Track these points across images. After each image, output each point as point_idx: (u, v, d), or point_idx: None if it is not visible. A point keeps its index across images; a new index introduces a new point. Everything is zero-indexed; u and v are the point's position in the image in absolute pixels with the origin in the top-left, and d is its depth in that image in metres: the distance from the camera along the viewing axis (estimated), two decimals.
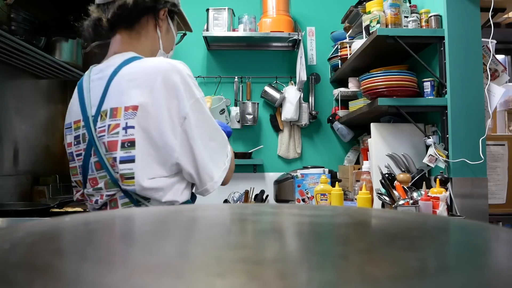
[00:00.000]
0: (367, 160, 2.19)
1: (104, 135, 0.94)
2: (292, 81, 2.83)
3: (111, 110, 0.94)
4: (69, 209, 2.00)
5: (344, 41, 2.49)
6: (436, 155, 1.81)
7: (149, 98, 0.92)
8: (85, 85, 1.03)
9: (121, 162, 0.92)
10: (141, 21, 1.06)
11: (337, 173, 2.63)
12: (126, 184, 0.94)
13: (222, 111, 2.65)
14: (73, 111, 1.04)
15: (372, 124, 2.06)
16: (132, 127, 0.92)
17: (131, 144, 0.92)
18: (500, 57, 3.26)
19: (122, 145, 0.92)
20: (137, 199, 0.97)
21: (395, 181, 1.76)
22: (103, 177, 0.97)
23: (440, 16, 1.89)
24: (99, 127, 0.96)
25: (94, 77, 1.02)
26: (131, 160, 0.92)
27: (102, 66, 1.03)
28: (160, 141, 0.93)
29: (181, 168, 0.97)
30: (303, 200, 2.24)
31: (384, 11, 1.96)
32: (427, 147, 1.89)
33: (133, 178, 0.93)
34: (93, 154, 0.98)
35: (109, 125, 0.94)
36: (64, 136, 1.11)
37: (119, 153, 0.92)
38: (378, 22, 1.92)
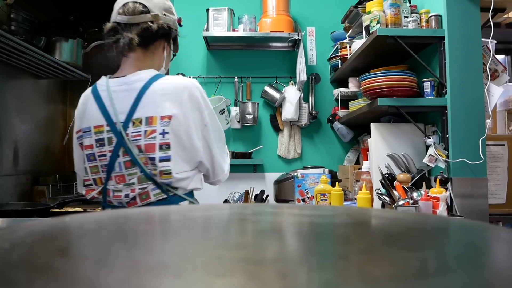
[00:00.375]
0: (367, 160, 2.19)
1: (139, 139, 1.13)
2: (292, 81, 2.83)
3: (147, 119, 1.13)
4: (69, 209, 2.00)
5: (344, 41, 2.48)
6: (436, 155, 1.81)
7: (179, 110, 1.14)
8: (104, 94, 1.18)
9: (160, 161, 1.13)
10: (155, 43, 1.25)
11: (337, 173, 2.63)
12: (164, 178, 1.15)
13: (222, 111, 2.65)
14: (91, 117, 1.18)
15: (372, 124, 2.06)
16: (167, 133, 1.13)
17: (168, 146, 1.13)
18: (500, 57, 3.26)
19: (160, 147, 1.13)
20: (167, 189, 1.17)
21: (395, 181, 1.76)
22: (134, 174, 1.15)
23: (440, 16, 1.89)
24: (132, 132, 1.13)
25: (117, 88, 1.18)
26: (168, 159, 1.14)
27: (126, 80, 1.19)
28: (189, 144, 1.16)
29: (201, 164, 1.22)
30: (303, 200, 2.24)
31: (384, 11, 1.96)
32: (427, 147, 1.89)
33: (170, 173, 1.14)
34: (122, 154, 1.15)
35: (145, 131, 1.13)
36: (73, 138, 1.24)
37: (158, 154, 1.13)
38: (378, 22, 1.92)
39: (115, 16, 1.20)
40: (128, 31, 1.18)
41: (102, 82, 1.22)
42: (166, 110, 1.13)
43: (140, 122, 1.13)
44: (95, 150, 1.17)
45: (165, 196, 1.17)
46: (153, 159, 1.13)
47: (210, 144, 1.21)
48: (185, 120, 1.14)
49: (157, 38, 1.24)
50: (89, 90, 1.24)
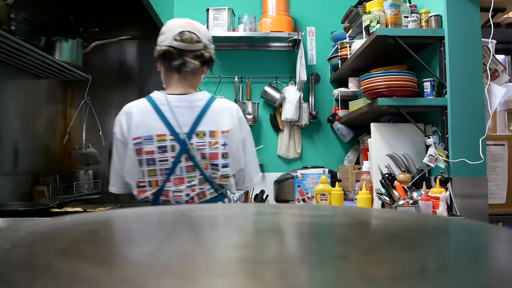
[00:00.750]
0: (367, 160, 2.18)
1: (204, 148, 1.35)
2: (292, 81, 2.83)
3: (210, 132, 1.36)
4: (69, 209, 2.00)
5: (344, 41, 2.48)
6: (436, 155, 1.81)
7: (232, 126, 1.39)
8: (165, 108, 1.37)
9: (222, 167, 1.37)
10: (200, 68, 1.43)
11: (337, 173, 2.63)
12: (222, 181, 1.39)
13: None
14: (153, 126, 1.35)
15: (372, 124, 2.06)
16: (226, 144, 1.37)
17: (227, 155, 1.37)
18: (500, 57, 3.26)
19: (222, 156, 1.36)
20: (217, 188, 1.40)
21: (395, 181, 1.76)
22: (194, 177, 1.36)
23: (440, 16, 1.89)
24: (196, 142, 1.35)
25: (179, 104, 1.38)
26: (227, 166, 1.38)
27: (187, 98, 1.40)
28: (236, 155, 1.40)
29: (240, 171, 1.44)
30: (303, 200, 2.24)
31: (384, 11, 1.96)
32: (427, 147, 1.89)
33: (228, 177, 1.39)
34: (184, 160, 1.34)
35: (209, 142, 1.35)
36: (128, 144, 1.37)
37: (221, 161, 1.36)
38: (378, 22, 1.92)
39: (170, 41, 1.37)
40: (185, 56, 1.38)
41: (161, 97, 1.39)
42: (224, 126, 1.38)
43: (204, 134, 1.36)
44: (156, 155, 1.34)
45: (216, 195, 1.40)
46: (216, 165, 1.37)
47: (246, 156, 1.45)
48: (235, 135, 1.40)
49: (204, 64, 1.44)
50: (144, 102, 1.40)
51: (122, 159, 1.39)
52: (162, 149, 1.34)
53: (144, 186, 1.37)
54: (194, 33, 1.38)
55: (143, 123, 1.36)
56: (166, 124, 1.35)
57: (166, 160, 1.34)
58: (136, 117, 1.37)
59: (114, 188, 1.45)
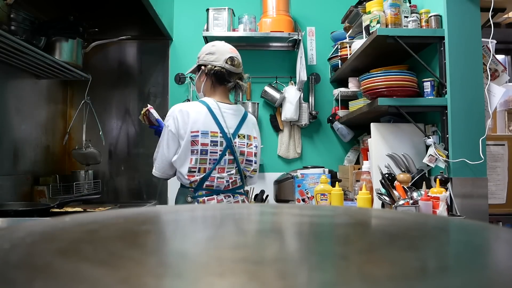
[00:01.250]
0: (367, 160, 2.18)
1: (243, 147, 1.74)
2: (292, 81, 2.83)
3: (247, 136, 1.77)
4: (69, 209, 2.00)
5: (344, 41, 2.48)
6: (436, 155, 1.81)
7: (257, 135, 1.83)
8: (217, 112, 1.69)
9: (254, 163, 1.78)
10: None
11: (337, 173, 2.63)
12: (252, 174, 1.80)
13: None
14: (208, 124, 1.66)
15: (372, 124, 2.06)
16: (256, 146, 1.79)
17: (256, 155, 1.79)
18: (500, 57, 3.26)
19: (254, 155, 1.78)
20: (243, 178, 1.77)
21: (395, 181, 1.76)
22: (232, 168, 1.71)
23: (440, 16, 1.89)
24: (238, 142, 1.72)
25: (227, 111, 1.72)
26: (256, 163, 1.79)
27: (232, 107, 1.76)
28: (258, 155, 1.81)
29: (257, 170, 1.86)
30: (303, 200, 2.24)
31: (384, 11, 1.96)
32: (427, 147, 1.89)
33: (256, 171, 1.81)
34: (228, 154, 1.69)
35: (247, 143, 1.76)
36: (185, 135, 1.63)
37: (254, 158, 1.77)
38: (378, 22, 1.92)
39: (222, 63, 1.70)
40: (233, 77, 1.74)
41: (213, 103, 1.70)
42: (254, 133, 1.81)
43: (244, 137, 1.75)
44: (208, 147, 1.65)
45: (241, 183, 1.77)
46: (250, 161, 1.77)
47: (259, 158, 1.84)
48: (259, 142, 1.83)
49: None
50: (199, 104, 1.69)
51: (172, 148, 1.67)
52: (214, 143, 1.66)
53: (194, 171, 1.65)
54: (238, 59, 1.75)
55: (200, 120, 1.65)
56: (217, 124, 1.67)
57: (216, 152, 1.66)
58: (193, 115, 1.65)
59: (158, 172, 1.72)
